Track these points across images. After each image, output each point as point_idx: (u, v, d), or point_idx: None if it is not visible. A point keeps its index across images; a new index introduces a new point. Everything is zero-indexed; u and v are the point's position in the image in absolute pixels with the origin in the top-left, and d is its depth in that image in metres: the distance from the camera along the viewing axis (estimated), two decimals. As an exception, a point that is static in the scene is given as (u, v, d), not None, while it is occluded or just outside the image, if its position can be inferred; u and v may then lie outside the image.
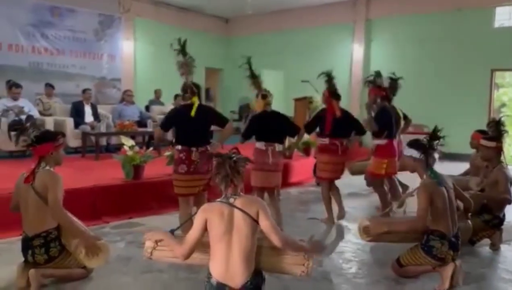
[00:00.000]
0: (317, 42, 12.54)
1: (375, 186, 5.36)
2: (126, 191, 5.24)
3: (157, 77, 11.87)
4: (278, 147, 4.47)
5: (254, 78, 4.85)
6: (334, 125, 4.81)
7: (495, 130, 4.27)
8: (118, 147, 8.33)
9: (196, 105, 3.92)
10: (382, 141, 5.11)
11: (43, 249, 3.03)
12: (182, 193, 3.94)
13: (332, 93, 4.93)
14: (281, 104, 10.80)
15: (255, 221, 2.36)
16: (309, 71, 11.27)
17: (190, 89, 3.94)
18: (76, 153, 7.77)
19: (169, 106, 10.35)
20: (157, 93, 10.95)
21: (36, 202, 3.02)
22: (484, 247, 4.24)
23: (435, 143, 3.29)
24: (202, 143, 3.91)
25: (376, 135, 5.12)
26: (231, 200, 2.40)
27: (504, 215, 4.24)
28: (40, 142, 3.12)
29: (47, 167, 3.11)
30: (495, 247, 4.21)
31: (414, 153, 3.32)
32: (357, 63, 12.00)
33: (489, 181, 4.26)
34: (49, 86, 8.79)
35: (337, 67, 11.52)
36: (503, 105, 13.08)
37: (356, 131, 5.01)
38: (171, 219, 5.00)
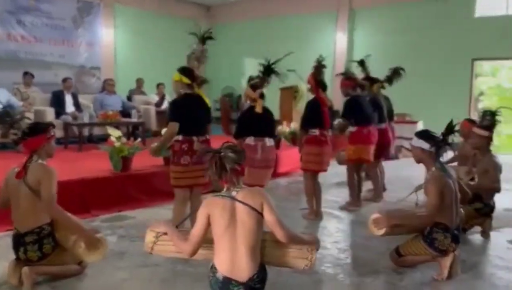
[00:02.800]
0: (301, 30, 12.46)
1: (347, 172, 5.34)
2: (115, 184, 5.12)
3: (139, 66, 11.62)
4: (269, 141, 4.34)
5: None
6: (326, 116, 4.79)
7: (491, 119, 4.31)
8: (102, 138, 8.17)
9: (203, 95, 3.95)
10: (352, 129, 5.19)
11: (36, 245, 2.92)
12: (185, 184, 3.86)
13: (319, 83, 4.84)
14: (266, 93, 10.77)
15: (260, 214, 2.33)
16: (293, 60, 11.22)
17: (199, 79, 3.95)
18: (58, 144, 7.52)
19: (152, 96, 10.18)
20: (139, 82, 10.71)
21: (28, 197, 2.90)
22: (474, 234, 4.32)
23: (450, 137, 3.27)
24: (203, 132, 3.91)
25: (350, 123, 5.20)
26: (233, 193, 2.35)
27: (494, 203, 4.31)
28: (32, 134, 2.99)
29: (40, 161, 2.98)
30: (485, 234, 4.28)
31: (423, 144, 3.27)
32: (340, 53, 11.99)
33: (479, 169, 4.32)
34: (28, 74, 8.44)
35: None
36: (481, 94, 13.35)
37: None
38: (162, 211, 4.93)
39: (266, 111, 4.47)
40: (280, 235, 2.35)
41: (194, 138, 3.81)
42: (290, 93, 9.02)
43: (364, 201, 5.50)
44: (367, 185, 5.97)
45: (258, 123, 4.32)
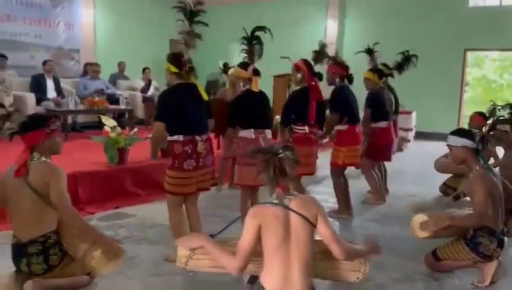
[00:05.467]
0: (290, 17, 12.08)
1: (333, 177, 4.59)
2: (111, 178, 4.72)
3: (120, 48, 11.00)
4: (269, 133, 3.81)
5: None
6: (316, 111, 4.06)
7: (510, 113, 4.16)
8: (86, 126, 7.68)
9: (199, 85, 3.30)
10: (342, 127, 4.46)
11: (41, 257, 2.53)
12: (185, 191, 3.29)
13: (313, 71, 4.15)
14: (258, 81, 10.36)
15: (314, 226, 2.05)
16: (283, 47, 10.88)
17: (187, 66, 3.24)
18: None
19: (138, 81, 9.66)
20: (121, 66, 10.16)
21: (31, 200, 2.49)
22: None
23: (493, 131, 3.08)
24: (205, 130, 3.33)
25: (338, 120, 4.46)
26: (286, 201, 2.04)
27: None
28: (28, 130, 2.57)
29: (43, 159, 2.58)
30: (509, 233, 4.12)
31: (467, 142, 3.03)
32: (330, 41, 11.65)
33: (503, 163, 4.17)
34: (1, 56, 7.76)
35: (310, 44, 11.24)
36: (466, 84, 13.41)
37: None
38: (163, 208, 4.48)
39: (263, 96, 3.86)
40: (337, 252, 2.09)
41: (197, 137, 3.21)
42: (284, 81, 8.69)
43: (366, 204, 5.06)
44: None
45: (256, 110, 3.72)
